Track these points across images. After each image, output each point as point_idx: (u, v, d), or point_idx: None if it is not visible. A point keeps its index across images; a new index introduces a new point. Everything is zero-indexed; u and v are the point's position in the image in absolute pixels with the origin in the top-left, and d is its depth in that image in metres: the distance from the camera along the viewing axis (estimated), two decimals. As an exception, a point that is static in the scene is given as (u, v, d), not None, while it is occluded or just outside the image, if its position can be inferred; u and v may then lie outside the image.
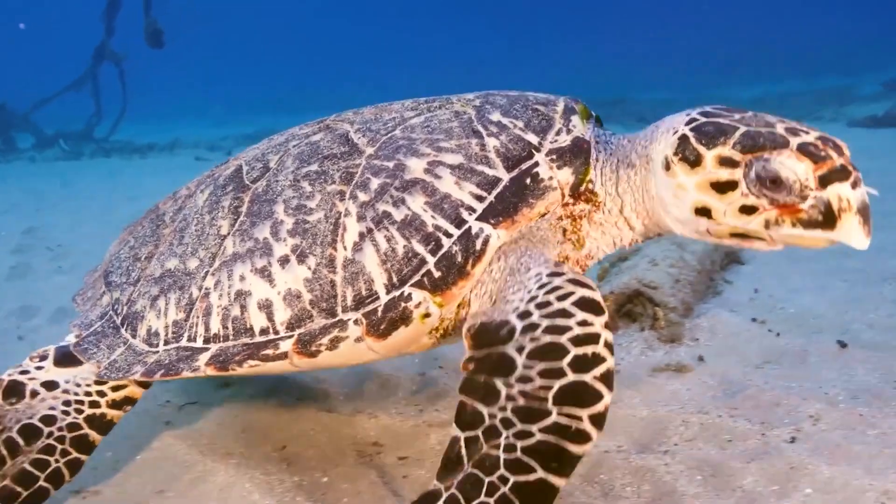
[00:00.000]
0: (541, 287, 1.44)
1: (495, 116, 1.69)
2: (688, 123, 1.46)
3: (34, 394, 1.75)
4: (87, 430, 1.72)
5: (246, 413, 2.23)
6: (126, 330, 1.81)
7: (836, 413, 1.97)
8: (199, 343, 1.67)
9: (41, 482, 1.64)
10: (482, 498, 1.27)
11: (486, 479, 1.28)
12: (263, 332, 1.62)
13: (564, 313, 1.36)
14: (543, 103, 1.73)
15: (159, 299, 1.77)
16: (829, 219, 1.33)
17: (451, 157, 1.62)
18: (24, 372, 1.80)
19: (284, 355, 1.58)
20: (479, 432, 1.33)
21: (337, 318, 1.57)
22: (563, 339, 1.33)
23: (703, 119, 1.45)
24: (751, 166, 1.37)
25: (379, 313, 1.54)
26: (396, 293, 1.54)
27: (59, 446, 1.68)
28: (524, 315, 1.40)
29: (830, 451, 1.78)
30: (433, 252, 1.54)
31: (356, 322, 1.55)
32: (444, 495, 1.31)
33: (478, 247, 1.53)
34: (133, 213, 6.66)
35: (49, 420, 1.70)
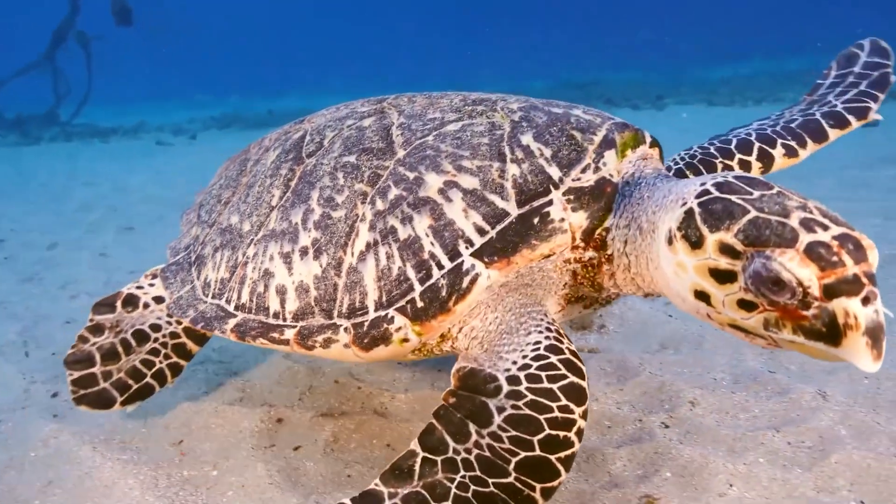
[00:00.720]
0: (536, 359, 1.45)
1: (526, 139, 1.63)
2: (698, 196, 1.34)
3: (146, 305, 2.08)
4: (184, 339, 2.02)
5: (150, 405, 2.26)
6: (194, 270, 2.01)
7: (714, 398, 2.05)
8: (231, 308, 1.82)
9: (148, 378, 1.96)
10: None
11: None
12: (275, 315, 1.73)
13: (551, 394, 1.38)
14: (583, 129, 1.64)
15: (217, 252, 1.95)
16: (833, 334, 1.16)
17: (468, 181, 1.60)
18: (139, 287, 2.13)
19: (287, 342, 1.69)
20: (439, 459, 1.38)
21: (332, 322, 1.65)
22: (542, 418, 1.36)
23: (715, 193, 1.32)
24: (752, 261, 1.22)
25: (364, 327, 1.60)
26: (382, 313, 1.59)
27: (163, 350, 2.00)
28: (513, 381, 1.42)
29: (699, 435, 1.86)
30: (422, 281, 1.56)
31: (346, 330, 1.62)
32: (387, 501, 1.35)
33: (464, 284, 1.52)
34: (87, 201, 6.60)
35: (156, 328, 2.03)
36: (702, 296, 1.32)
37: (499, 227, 1.54)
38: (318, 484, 1.77)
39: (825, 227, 1.19)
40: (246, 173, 2.13)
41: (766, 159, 1.97)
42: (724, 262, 1.26)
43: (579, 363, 1.45)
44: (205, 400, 2.27)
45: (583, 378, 1.41)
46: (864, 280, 1.15)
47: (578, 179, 1.56)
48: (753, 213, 1.24)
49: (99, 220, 5.66)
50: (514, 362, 1.46)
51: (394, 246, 1.60)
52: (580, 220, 1.54)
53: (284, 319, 1.72)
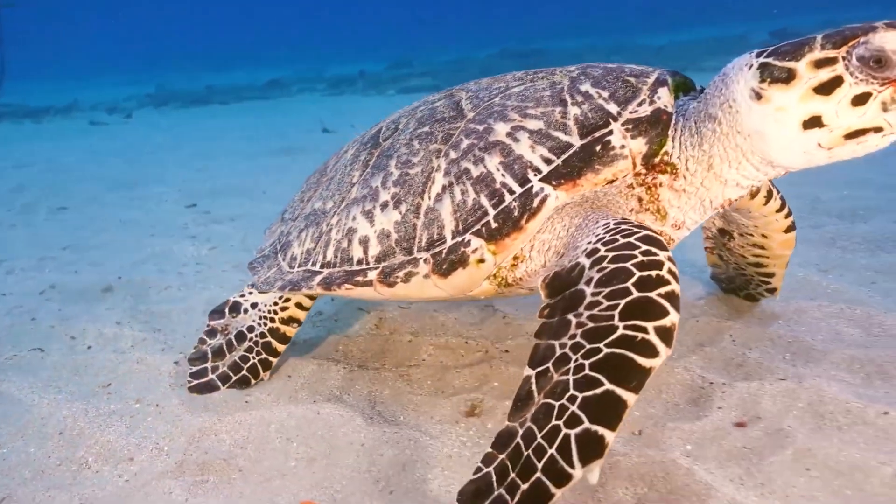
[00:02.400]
0: (608, 230, 1.52)
1: (584, 87, 1.76)
2: (759, 55, 1.50)
3: (246, 311, 2.39)
4: (270, 338, 2.30)
5: (81, 359, 2.61)
6: (280, 255, 2.26)
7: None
8: (318, 268, 2.05)
9: (244, 371, 2.27)
10: (553, 422, 1.25)
11: (557, 404, 1.27)
12: (359, 262, 1.93)
13: (630, 245, 1.43)
14: (636, 75, 1.77)
15: (303, 232, 2.19)
16: None
17: (533, 123, 1.74)
18: (242, 295, 2.43)
19: (370, 283, 1.87)
20: (550, 364, 1.34)
21: (412, 256, 1.81)
22: (629, 264, 1.38)
23: (772, 48, 1.49)
24: (850, 55, 1.38)
25: (443, 255, 1.76)
26: (459, 238, 1.74)
27: (256, 348, 2.30)
28: (592, 253, 1.47)
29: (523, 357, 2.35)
30: (495, 206, 1.70)
31: (425, 261, 1.78)
32: (521, 431, 1.31)
33: (535, 204, 1.66)
34: (20, 182, 6.69)
35: (251, 329, 2.33)
36: (812, 122, 1.44)
37: (564, 157, 1.67)
38: (219, 404, 2.18)
39: (878, 22, 1.40)
40: (325, 174, 2.37)
41: None
42: (825, 74, 1.41)
43: (651, 228, 1.52)
44: (131, 352, 2.64)
45: (656, 233, 1.48)
46: None
47: (635, 112, 1.68)
48: (819, 34, 1.44)
49: (32, 201, 5.82)
50: (590, 241, 1.53)
51: (468, 183, 1.76)
52: (639, 146, 1.66)
53: (367, 264, 1.90)
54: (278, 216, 2.58)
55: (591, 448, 1.20)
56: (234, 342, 2.33)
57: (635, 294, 1.33)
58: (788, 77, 1.44)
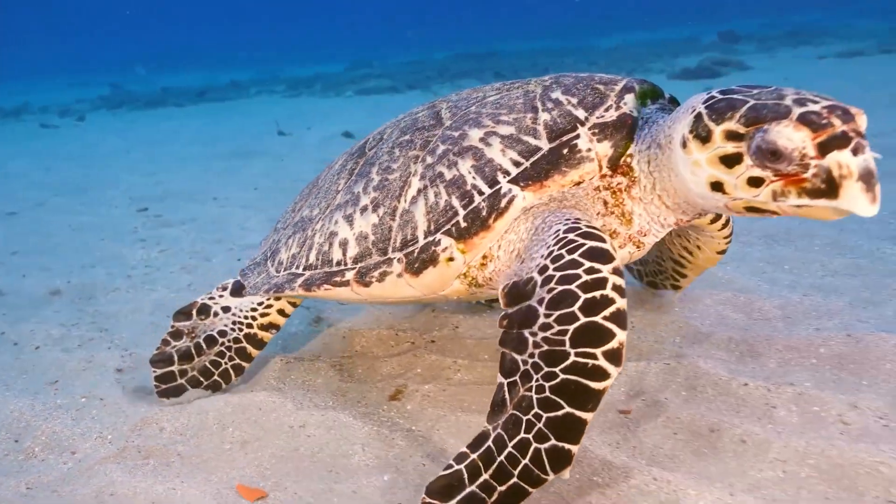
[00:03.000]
0: (556, 242, 1.57)
1: (555, 94, 1.85)
2: (705, 102, 1.51)
3: (216, 314, 2.36)
4: (245, 343, 2.31)
5: (29, 357, 2.73)
6: (269, 261, 2.33)
7: (471, 320, 2.77)
8: (300, 270, 2.13)
9: (215, 377, 2.28)
10: (522, 434, 1.40)
11: (524, 418, 1.41)
12: (338, 263, 2.01)
13: (574, 263, 1.48)
14: (606, 83, 1.85)
15: (290, 239, 2.27)
16: (831, 187, 1.33)
17: (505, 129, 1.82)
18: (211, 297, 2.40)
19: (348, 282, 1.95)
20: (517, 378, 1.46)
21: (387, 257, 1.89)
22: (574, 286, 1.45)
23: (719, 97, 1.49)
24: (753, 138, 1.38)
25: (415, 254, 1.83)
26: (430, 238, 1.82)
27: (228, 353, 2.30)
28: (542, 270, 1.54)
29: (444, 345, 2.57)
30: (465, 207, 1.78)
31: (399, 260, 1.86)
32: (492, 435, 1.45)
33: (502, 204, 1.73)
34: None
35: (223, 333, 2.31)
36: (717, 186, 1.48)
37: (532, 159, 1.74)
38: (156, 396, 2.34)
39: (816, 102, 1.37)
40: (316, 185, 2.44)
41: None
42: (730, 147, 1.43)
43: (598, 232, 1.57)
44: (78, 351, 2.77)
45: (603, 241, 1.53)
46: (853, 134, 1.32)
47: (602, 117, 1.76)
48: (753, 102, 1.42)
49: (-21, 206, 5.81)
50: (542, 255, 1.59)
51: (441, 186, 1.84)
52: (605, 148, 1.73)
53: (345, 265, 1.98)
54: (272, 227, 2.70)
55: (560, 459, 1.38)
56: (204, 346, 2.30)
57: (582, 319, 1.41)
58: (706, 137, 1.47)
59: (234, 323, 2.33)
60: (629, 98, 1.80)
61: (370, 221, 1.97)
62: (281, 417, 2.12)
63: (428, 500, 1.47)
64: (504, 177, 1.76)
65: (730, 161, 1.45)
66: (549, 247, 1.59)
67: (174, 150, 8.48)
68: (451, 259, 1.80)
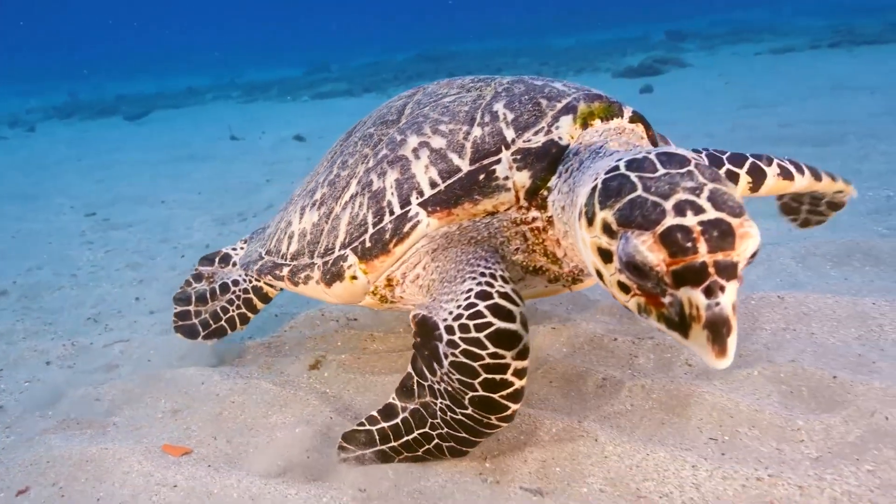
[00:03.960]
0: (467, 308, 1.48)
1: (497, 105, 1.70)
2: (606, 173, 1.30)
3: (234, 264, 2.52)
4: (252, 295, 2.42)
5: (-22, 352, 2.89)
6: (263, 232, 2.45)
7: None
8: (263, 253, 2.22)
9: (223, 322, 2.44)
10: (426, 430, 1.63)
11: (429, 420, 1.62)
12: (282, 256, 2.06)
13: (479, 343, 1.44)
14: (551, 97, 1.68)
15: (274, 223, 2.34)
16: (682, 324, 1.15)
17: (438, 141, 1.71)
18: (233, 248, 2.58)
19: (282, 278, 2.02)
20: (426, 384, 1.60)
21: (312, 261, 1.90)
22: (476, 364, 1.44)
23: (621, 170, 1.28)
24: (621, 240, 1.20)
25: (328, 265, 1.83)
26: (341, 252, 1.80)
27: (236, 302, 2.43)
28: (449, 330, 1.49)
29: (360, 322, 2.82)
30: (374, 225, 1.73)
31: (318, 267, 1.87)
32: (401, 416, 1.66)
33: (405, 229, 1.65)
34: None
35: (235, 283, 2.44)
36: (598, 273, 1.32)
37: (448, 182, 1.63)
38: (99, 371, 2.53)
39: (699, 212, 1.14)
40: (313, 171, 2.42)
41: (758, 175, 1.90)
42: (604, 241, 1.25)
43: (510, 306, 1.47)
44: (22, 343, 2.94)
45: (512, 321, 1.45)
46: (712, 269, 1.10)
47: (529, 141, 1.59)
48: (638, 192, 1.20)
49: (-74, 217, 5.83)
50: (450, 312, 1.51)
51: (367, 196, 1.78)
52: (523, 179, 1.57)
53: (286, 259, 2.02)
54: None
55: (457, 454, 1.68)
56: (218, 291, 2.46)
57: (480, 393, 1.46)
58: (590, 220, 1.29)
59: (246, 274, 2.46)
60: (564, 122, 1.62)
61: (312, 220, 1.98)
62: (209, 388, 2.34)
63: (344, 444, 1.76)
64: (417, 198, 1.66)
65: (605, 256, 1.27)
66: (459, 307, 1.50)
67: (124, 157, 8.55)
68: (354, 277, 1.78)
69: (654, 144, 1.74)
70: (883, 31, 12.70)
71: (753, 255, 1.17)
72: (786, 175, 1.95)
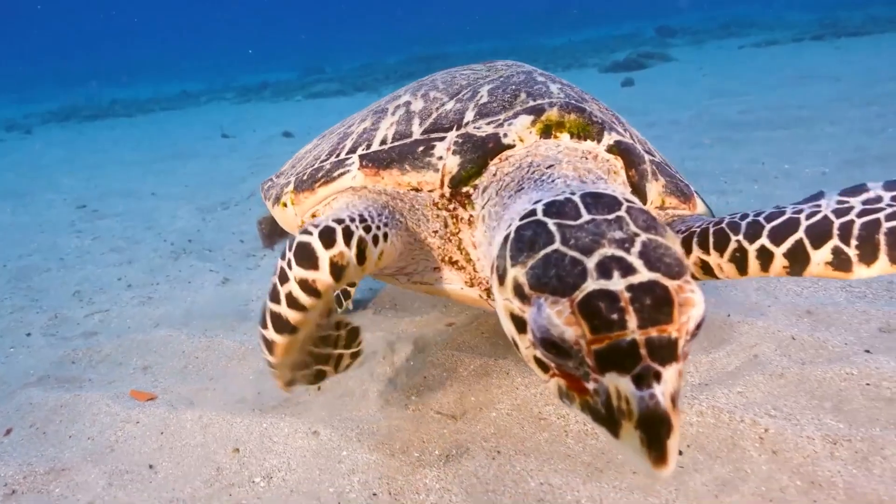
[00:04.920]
0: (306, 229, 1.38)
1: (484, 88, 1.64)
2: (523, 217, 1.10)
3: (284, 204, 2.52)
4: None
5: None
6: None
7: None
8: (275, 178, 2.10)
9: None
10: (271, 302, 1.38)
11: (269, 296, 1.39)
12: (277, 175, 2.08)
13: (287, 264, 1.35)
14: (532, 93, 1.56)
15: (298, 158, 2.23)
16: (611, 420, 0.91)
17: (418, 104, 1.68)
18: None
19: (270, 197, 1.96)
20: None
21: (274, 181, 2.02)
22: (275, 279, 1.38)
23: (537, 216, 1.07)
24: (532, 308, 0.98)
25: (277, 188, 1.89)
26: (287, 179, 1.84)
27: None
28: (283, 255, 1.40)
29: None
30: (320, 161, 1.73)
31: (272, 186, 1.97)
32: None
33: (335, 174, 1.63)
34: None
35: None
36: (514, 342, 1.08)
37: (394, 144, 1.58)
38: (77, 338, 2.76)
39: (628, 272, 0.92)
40: None
41: (799, 257, 1.35)
42: (516, 306, 1.02)
43: (335, 227, 1.36)
44: (9, 316, 3.17)
45: (326, 240, 1.34)
46: (644, 350, 0.87)
47: (479, 128, 1.49)
48: (555, 246, 0.99)
49: (-77, 213, 6.07)
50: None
51: (336, 137, 1.82)
52: (452, 164, 1.47)
53: (279, 177, 2.03)
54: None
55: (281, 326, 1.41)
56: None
57: (277, 308, 1.37)
58: (501, 276, 1.06)
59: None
60: (520, 121, 1.47)
61: (307, 150, 2.06)
62: (177, 347, 2.57)
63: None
64: (363, 150, 1.63)
65: (518, 324, 1.03)
66: (303, 231, 1.41)
67: (118, 156, 8.78)
68: (285, 205, 1.80)
69: (636, 189, 1.49)
70: (864, 23, 12.92)
71: (698, 328, 0.93)
72: (841, 265, 1.32)
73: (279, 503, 1.62)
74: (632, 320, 0.89)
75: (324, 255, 1.34)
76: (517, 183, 1.37)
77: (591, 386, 0.93)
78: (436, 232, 1.57)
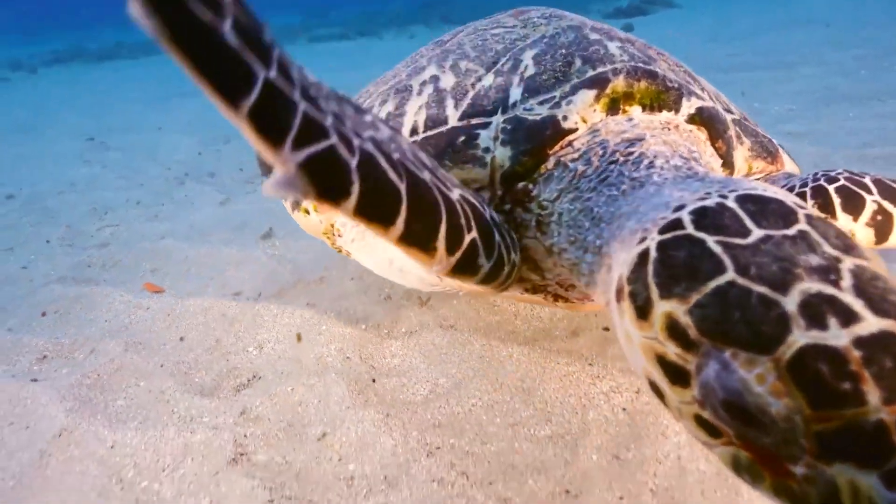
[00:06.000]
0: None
1: (527, 54, 1.39)
2: (663, 230, 0.84)
3: None
4: None
5: None
6: None
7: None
8: None
9: None
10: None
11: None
12: None
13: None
14: (589, 59, 1.31)
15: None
16: None
17: (448, 80, 1.42)
18: None
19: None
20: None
21: None
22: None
23: (687, 229, 0.82)
24: (707, 361, 0.73)
25: None
26: None
27: None
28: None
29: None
30: None
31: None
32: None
33: None
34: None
35: None
36: (655, 388, 0.84)
37: (427, 134, 1.31)
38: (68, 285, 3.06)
39: (850, 320, 0.67)
40: None
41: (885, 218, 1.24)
42: (672, 351, 0.78)
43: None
44: (26, 227, 3.46)
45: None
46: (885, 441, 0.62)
47: (531, 110, 1.24)
48: (729, 276, 0.74)
49: (-62, 144, 6.32)
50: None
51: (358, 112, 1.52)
52: (503, 157, 1.21)
53: None
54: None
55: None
56: None
57: None
58: (643, 310, 0.82)
59: None
60: (581, 98, 1.23)
61: None
62: (182, 254, 2.87)
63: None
64: None
65: (672, 372, 0.80)
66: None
67: (123, 95, 8.96)
68: (307, 211, 1.59)
69: (725, 162, 1.31)
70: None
71: None
72: None
73: (269, 366, 1.92)
74: (872, 393, 0.63)
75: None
76: (597, 172, 1.13)
77: (799, 471, 0.68)
78: None
